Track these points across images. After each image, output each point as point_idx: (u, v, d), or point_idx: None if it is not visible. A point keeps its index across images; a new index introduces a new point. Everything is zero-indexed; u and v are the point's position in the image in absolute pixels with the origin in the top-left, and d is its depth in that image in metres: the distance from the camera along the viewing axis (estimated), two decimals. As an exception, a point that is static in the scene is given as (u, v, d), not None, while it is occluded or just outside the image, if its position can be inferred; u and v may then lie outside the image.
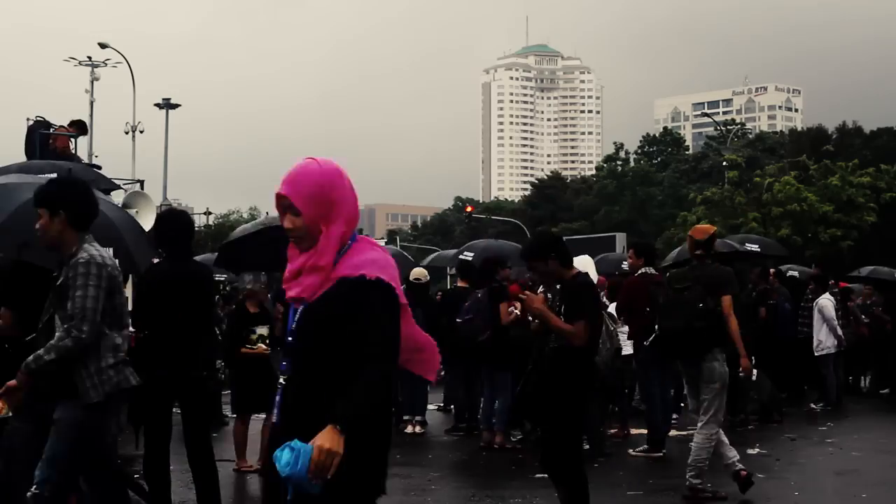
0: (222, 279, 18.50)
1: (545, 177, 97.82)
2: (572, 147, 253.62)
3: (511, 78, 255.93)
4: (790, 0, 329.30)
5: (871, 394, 17.36)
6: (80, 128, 15.82)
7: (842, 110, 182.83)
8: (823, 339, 15.05)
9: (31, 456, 6.40)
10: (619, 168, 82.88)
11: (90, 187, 5.70)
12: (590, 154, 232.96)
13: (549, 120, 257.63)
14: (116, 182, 13.03)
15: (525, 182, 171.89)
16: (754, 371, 13.34)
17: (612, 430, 12.06)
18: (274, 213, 3.99)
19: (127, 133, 42.11)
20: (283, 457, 3.27)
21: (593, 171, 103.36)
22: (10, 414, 5.70)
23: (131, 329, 6.26)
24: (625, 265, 13.73)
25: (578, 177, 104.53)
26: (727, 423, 12.24)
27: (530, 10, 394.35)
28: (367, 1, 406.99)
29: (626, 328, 11.63)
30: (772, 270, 15.85)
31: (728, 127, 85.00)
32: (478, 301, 12.02)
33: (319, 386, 3.42)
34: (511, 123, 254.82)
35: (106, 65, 41.60)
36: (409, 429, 12.83)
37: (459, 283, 13.61)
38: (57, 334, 5.31)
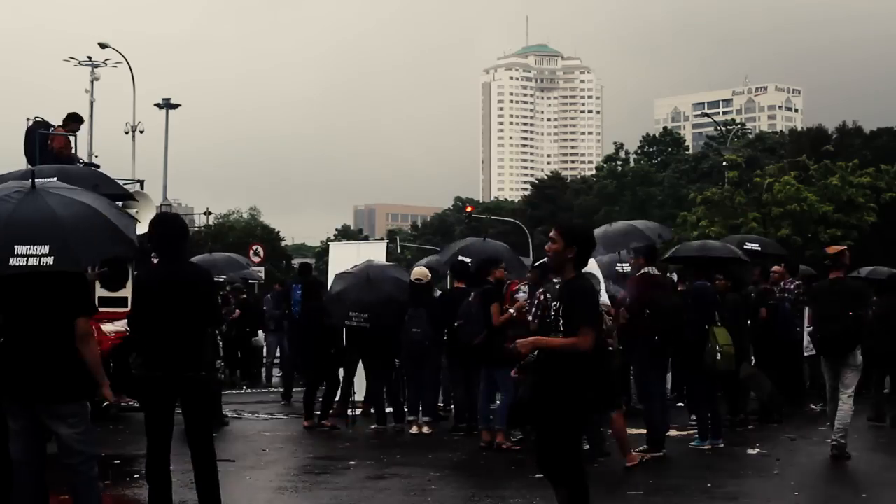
0: (221, 280, 18.52)
1: (545, 177, 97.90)
2: (572, 147, 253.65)
3: (511, 78, 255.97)
4: (791, 0, 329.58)
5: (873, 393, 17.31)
6: (75, 120, 15.83)
7: (842, 110, 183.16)
8: (807, 341, 15.06)
9: (30, 457, 6.42)
10: (619, 168, 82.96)
11: None
12: (590, 154, 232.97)
13: (549, 120, 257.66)
14: (119, 182, 13.00)
15: (525, 182, 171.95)
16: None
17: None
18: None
19: (127, 133, 42.13)
20: None
21: (593, 171, 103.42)
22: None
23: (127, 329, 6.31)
24: (623, 267, 13.71)
25: (578, 177, 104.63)
26: (727, 423, 12.29)
27: (530, 9, 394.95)
28: (367, 0, 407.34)
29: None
30: (776, 268, 15.85)
31: (728, 127, 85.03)
32: (469, 305, 12.05)
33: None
34: (511, 123, 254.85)
35: (106, 65, 41.62)
36: (415, 429, 12.82)
37: (456, 284, 13.62)
38: None
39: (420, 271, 13.71)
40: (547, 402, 6.35)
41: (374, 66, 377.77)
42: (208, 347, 7.62)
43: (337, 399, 14.12)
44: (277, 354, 20.46)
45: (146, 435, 7.15)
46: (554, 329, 6.48)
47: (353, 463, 10.70)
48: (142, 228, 7.70)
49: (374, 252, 18.17)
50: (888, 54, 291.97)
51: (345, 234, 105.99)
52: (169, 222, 7.59)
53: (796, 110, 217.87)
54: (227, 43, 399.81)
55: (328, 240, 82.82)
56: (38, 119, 15.60)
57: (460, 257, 14.72)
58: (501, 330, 11.49)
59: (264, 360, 21.52)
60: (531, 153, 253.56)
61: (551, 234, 6.56)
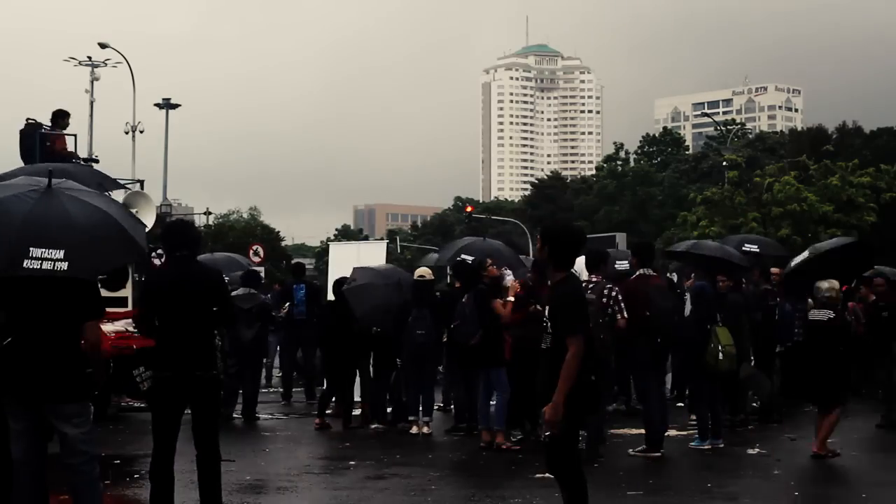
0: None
1: (545, 177, 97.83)
2: (572, 147, 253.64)
3: (511, 78, 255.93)
4: (790, 0, 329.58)
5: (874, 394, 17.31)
6: (63, 116, 15.87)
7: (842, 110, 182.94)
8: None
9: (30, 457, 6.42)
10: (619, 168, 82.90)
11: None
12: (590, 154, 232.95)
13: (549, 120, 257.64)
14: (120, 182, 13.05)
15: (525, 182, 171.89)
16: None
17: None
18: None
19: (127, 133, 42.13)
20: None
21: (593, 171, 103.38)
22: None
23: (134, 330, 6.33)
24: (622, 265, 13.72)
25: (578, 177, 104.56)
26: (727, 423, 12.29)
27: (530, 9, 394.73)
28: (366, 0, 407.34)
29: None
30: (775, 269, 15.83)
31: (728, 127, 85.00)
32: (462, 306, 12.06)
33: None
34: (511, 123, 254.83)
35: (106, 65, 41.60)
36: (415, 429, 12.83)
37: (457, 284, 13.62)
38: None
39: (423, 270, 13.74)
40: (548, 401, 6.36)
41: (373, 66, 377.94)
42: (213, 347, 7.62)
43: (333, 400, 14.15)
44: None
45: (153, 434, 7.16)
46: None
47: (353, 463, 10.71)
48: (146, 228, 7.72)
49: (374, 252, 18.20)
50: (888, 54, 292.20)
51: (345, 234, 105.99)
52: (187, 229, 7.68)
53: (796, 110, 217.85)
54: (226, 42, 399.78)
55: (328, 240, 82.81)
56: (29, 121, 15.64)
57: (462, 255, 14.74)
58: (496, 330, 11.48)
59: (264, 361, 21.48)
60: (531, 153, 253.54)
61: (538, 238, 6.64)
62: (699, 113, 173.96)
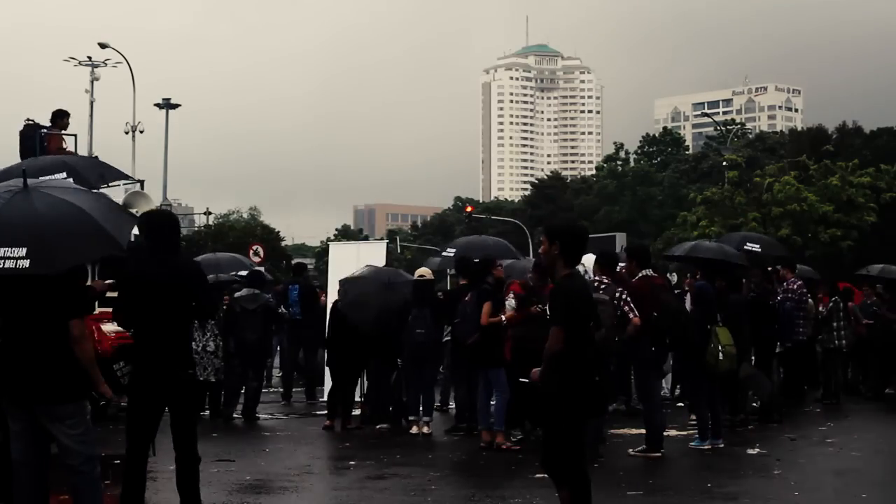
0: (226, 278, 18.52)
1: (545, 177, 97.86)
2: (572, 147, 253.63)
3: (511, 78, 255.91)
4: (791, 1, 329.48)
5: (876, 394, 17.32)
6: (62, 116, 15.90)
7: (842, 110, 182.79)
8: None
9: (30, 458, 6.42)
10: (619, 168, 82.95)
11: None
12: (590, 154, 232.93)
13: (549, 120, 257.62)
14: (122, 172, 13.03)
15: (525, 182, 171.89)
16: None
17: None
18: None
19: (127, 133, 42.14)
20: None
21: (593, 171, 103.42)
22: None
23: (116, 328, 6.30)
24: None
25: (578, 177, 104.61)
26: (727, 423, 12.29)
27: (530, 9, 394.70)
28: (365, 0, 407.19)
29: None
30: (780, 268, 15.88)
31: (728, 127, 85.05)
32: (465, 304, 12.08)
33: None
34: (511, 123, 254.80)
35: (106, 65, 41.61)
36: (415, 429, 12.82)
37: (461, 282, 13.62)
38: None
39: (423, 269, 13.77)
40: (542, 402, 6.40)
41: (373, 66, 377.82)
42: (190, 346, 7.55)
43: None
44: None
45: (126, 432, 7.10)
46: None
47: (353, 463, 10.71)
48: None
49: (374, 252, 18.17)
50: (888, 54, 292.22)
51: (345, 234, 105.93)
52: (160, 218, 7.58)
53: (796, 110, 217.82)
54: (222, 40, 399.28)
55: (328, 240, 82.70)
56: (29, 121, 15.67)
57: (463, 253, 14.88)
58: (496, 330, 11.49)
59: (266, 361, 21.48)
60: (531, 153, 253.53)
61: (541, 237, 6.64)
62: (699, 113, 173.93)
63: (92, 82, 40.94)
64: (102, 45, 41.02)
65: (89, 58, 41.14)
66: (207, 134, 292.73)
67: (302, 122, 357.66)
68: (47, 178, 8.59)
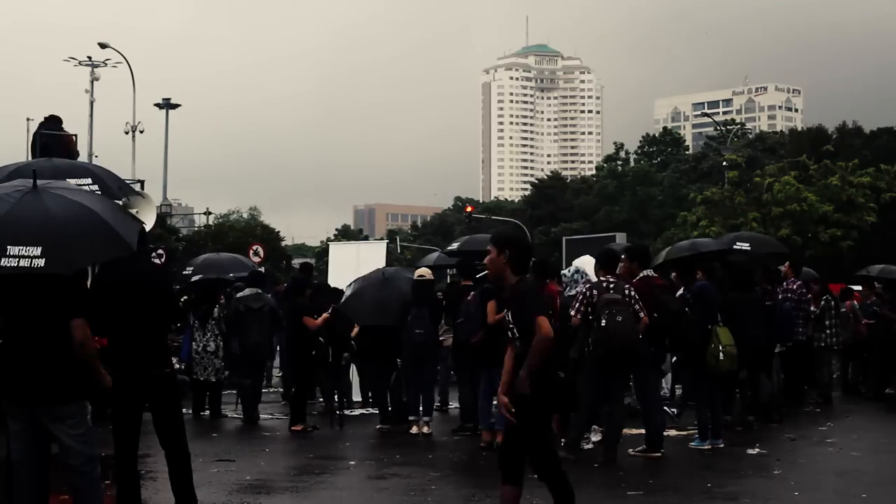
0: (228, 277, 18.54)
1: (545, 177, 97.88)
2: (572, 147, 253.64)
3: (511, 78, 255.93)
4: (790, 0, 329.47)
5: (876, 394, 17.34)
6: (57, 121, 15.90)
7: (842, 110, 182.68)
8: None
9: (30, 458, 6.42)
10: (619, 168, 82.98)
11: None
12: (590, 154, 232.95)
13: (549, 120, 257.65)
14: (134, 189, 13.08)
15: (525, 182, 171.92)
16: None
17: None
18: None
19: (127, 133, 42.16)
20: None
21: (593, 171, 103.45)
22: None
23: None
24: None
25: (578, 177, 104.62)
26: (726, 423, 12.29)
27: (530, 9, 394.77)
28: (365, 1, 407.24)
29: None
30: (782, 267, 15.89)
31: (728, 127, 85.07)
32: (468, 304, 12.09)
33: None
34: (511, 123, 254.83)
35: (106, 65, 41.65)
36: (415, 429, 12.82)
37: (462, 282, 13.62)
38: None
39: (423, 269, 13.78)
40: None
41: (373, 66, 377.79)
42: (167, 345, 7.57)
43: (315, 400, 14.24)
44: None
45: (113, 434, 7.14)
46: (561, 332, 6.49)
47: (353, 463, 10.71)
48: (146, 227, 7.70)
49: (374, 252, 18.21)
50: (888, 54, 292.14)
51: (345, 234, 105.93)
52: None
53: (796, 110, 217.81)
54: (222, 39, 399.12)
55: (328, 240, 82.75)
56: (55, 117, 15.67)
57: (468, 248, 14.99)
58: (500, 330, 11.46)
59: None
60: (531, 153, 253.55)
61: (488, 247, 6.63)
62: (699, 113, 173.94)
63: (92, 82, 40.99)
64: (102, 45, 41.05)
65: (89, 58, 41.20)
66: (207, 133, 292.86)
67: (301, 122, 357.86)
68: (75, 181, 8.70)
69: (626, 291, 10.57)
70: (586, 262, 12.12)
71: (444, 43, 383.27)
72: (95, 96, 40.84)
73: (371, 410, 15.11)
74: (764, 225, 40.34)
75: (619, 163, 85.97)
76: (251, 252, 34.09)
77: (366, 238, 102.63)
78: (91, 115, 39.98)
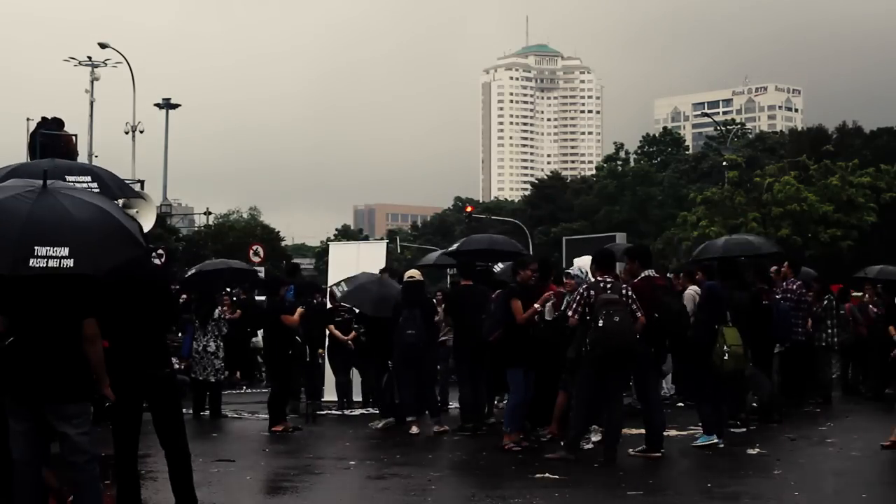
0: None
1: (545, 177, 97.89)
2: (572, 147, 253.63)
3: (511, 78, 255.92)
4: (790, 0, 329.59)
5: (876, 394, 17.33)
6: (59, 124, 15.91)
7: (842, 110, 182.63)
8: None
9: (30, 457, 6.43)
10: (619, 168, 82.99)
11: None
12: (590, 154, 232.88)
13: (549, 120, 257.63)
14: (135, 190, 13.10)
15: (525, 182, 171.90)
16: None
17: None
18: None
19: (127, 133, 42.17)
20: None
21: (593, 171, 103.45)
22: None
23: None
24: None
25: (578, 177, 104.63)
26: (727, 423, 12.28)
27: (530, 9, 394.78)
28: (364, 1, 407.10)
29: None
30: (779, 267, 15.88)
31: (728, 127, 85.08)
32: (491, 302, 12.15)
33: None
34: (511, 123, 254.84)
35: (106, 65, 41.66)
36: (414, 429, 12.82)
37: (463, 282, 13.62)
38: None
39: (412, 271, 13.83)
40: None
41: (372, 66, 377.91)
42: (166, 345, 7.58)
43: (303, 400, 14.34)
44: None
45: (113, 434, 7.15)
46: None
47: (353, 463, 10.71)
48: (145, 228, 7.72)
49: (374, 252, 18.22)
50: (888, 54, 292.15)
51: (345, 234, 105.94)
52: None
53: (796, 110, 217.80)
54: (217, 36, 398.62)
55: (328, 240, 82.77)
56: (45, 118, 15.66)
57: (473, 247, 15.19)
58: (518, 330, 11.39)
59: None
60: (531, 153, 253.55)
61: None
62: (699, 113, 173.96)
63: (92, 82, 40.99)
64: (102, 45, 41.06)
65: (89, 58, 41.20)
66: (206, 132, 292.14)
67: (301, 122, 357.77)
68: (74, 178, 8.72)
69: (623, 291, 10.57)
70: (585, 262, 12.12)
71: (443, 43, 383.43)
72: (95, 96, 40.85)
73: (371, 410, 15.14)
74: (764, 225, 40.33)
75: (619, 163, 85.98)
76: (251, 252, 34.10)
77: (366, 238, 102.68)
78: (91, 115, 39.99)
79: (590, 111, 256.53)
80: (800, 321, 15.54)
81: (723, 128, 79.97)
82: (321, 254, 74.78)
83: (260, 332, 21.09)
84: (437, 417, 13.02)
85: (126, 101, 42.70)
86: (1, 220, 5.96)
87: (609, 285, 10.55)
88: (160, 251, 12.64)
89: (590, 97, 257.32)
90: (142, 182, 16.96)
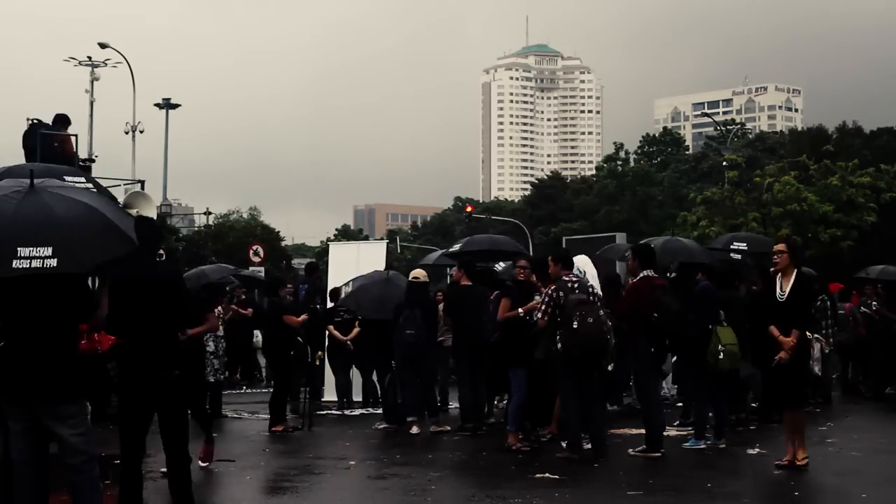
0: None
1: (545, 177, 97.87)
2: (572, 147, 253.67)
3: (511, 78, 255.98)
4: (790, 0, 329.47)
5: (876, 394, 17.32)
6: (62, 122, 15.90)
7: (842, 110, 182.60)
8: None
9: (30, 457, 6.42)
10: (619, 168, 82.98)
11: None
12: (590, 154, 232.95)
13: (549, 120, 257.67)
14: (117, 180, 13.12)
15: (525, 182, 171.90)
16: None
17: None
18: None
19: (127, 133, 42.15)
20: None
21: (593, 171, 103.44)
22: None
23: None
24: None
25: (578, 177, 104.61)
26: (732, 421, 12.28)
27: (530, 9, 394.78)
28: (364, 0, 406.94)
29: None
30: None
31: (728, 127, 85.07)
32: (490, 303, 12.15)
33: None
34: (511, 123, 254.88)
35: (106, 65, 41.63)
36: (415, 429, 12.82)
37: (463, 282, 13.61)
38: None
39: (417, 271, 13.82)
40: None
41: (372, 66, 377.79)
42: (176, 348, 7.54)
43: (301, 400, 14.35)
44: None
45: (120, 435, 7.13)
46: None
47: (353, 463, 10.71)
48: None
49: (374, 252, 18.23)
50: (889, 54, 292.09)
51: (345, 234, 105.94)
52: (146, 223, 7.62)
53: (796, 110, 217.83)
54: (214, 35, 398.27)
55: (328, 240, 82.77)
56: (33, 121, 15.68)
57: (474, 248, 15.26)
58: (519, 329, 11.40)
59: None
60: (531, 153, 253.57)
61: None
62: (699, 113, 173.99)
63: (92, 82, 40.95)
64: (102, 45, 41.05)
65: (89, 57, 41.17)
66: (205, 132, 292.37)
67: (302, 122, 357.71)
68: (70, 178, 8.72)
69: (590, 290, 10.65)
70: (583, 262, 12.11)
71: (444, 43, 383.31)
72: (95, 96, 40.80)
73: (371, 410, 15.14)
74: (764, 225, 40.30)
75: (619, 163, 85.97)
76: (251, 252, 34.08)
77: (366, 238, 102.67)
78: (91, 115, 39.95)
79: (590, 111, 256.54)
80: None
81: (723, 128, 79.95)
82: (321, 254, 74.73)
83: (257, 332, 21.24)
84: (435, 417, 13.02)
85: (126, 101, 42.71)
86: None
87: (576, 285, 10.61)
88: (160, 251, 12.62)
89: (590, 97, 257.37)
90: (142, 182, 16.96)
